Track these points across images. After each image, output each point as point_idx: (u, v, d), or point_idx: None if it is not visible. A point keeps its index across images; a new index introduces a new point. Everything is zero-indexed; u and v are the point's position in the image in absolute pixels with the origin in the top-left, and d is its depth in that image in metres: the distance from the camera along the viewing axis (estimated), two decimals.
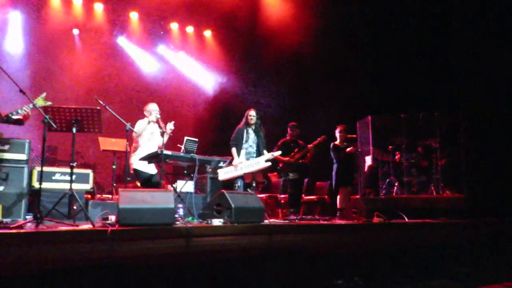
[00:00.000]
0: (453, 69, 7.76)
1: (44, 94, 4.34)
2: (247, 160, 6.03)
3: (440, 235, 5.39)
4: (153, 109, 5.73)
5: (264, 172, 6.11)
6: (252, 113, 6.21)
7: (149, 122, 5.69)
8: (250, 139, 6.20)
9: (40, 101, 4.30)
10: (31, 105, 4.24)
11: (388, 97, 8.54)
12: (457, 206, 6.74)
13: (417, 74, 8.21)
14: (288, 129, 7.18)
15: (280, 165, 7.10)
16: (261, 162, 5.91)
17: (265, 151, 6.08)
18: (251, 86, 10.18)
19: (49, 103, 4.35)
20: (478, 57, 7.44)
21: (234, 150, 6.10)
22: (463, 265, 5.15)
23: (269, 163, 5.91)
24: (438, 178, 7.49)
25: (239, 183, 5.92)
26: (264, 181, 6.91)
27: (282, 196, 7.61)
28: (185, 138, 5.37)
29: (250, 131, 6.19)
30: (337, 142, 7.56)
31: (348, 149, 7.30)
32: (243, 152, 6.10)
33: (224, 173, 6.00)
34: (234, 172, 5.96)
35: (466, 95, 7.60)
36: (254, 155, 6.15)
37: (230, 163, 6.02)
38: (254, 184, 5.96)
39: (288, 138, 7.13)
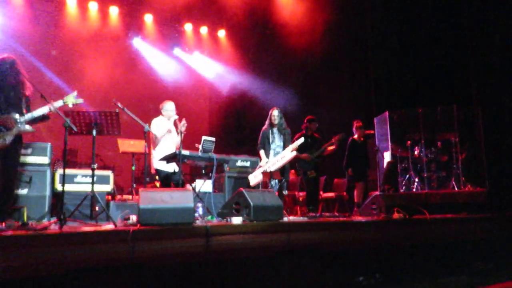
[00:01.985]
0: (471, 62, 7.83)
1: (75, 93, 4.37)
2: (273, 158, 6.11)
3: (462, 230, 5.34)
4: (169, 108, 5.77)
5: (281, 170, 6.08)
6: (275, 112, 6.22)
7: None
8: (276, 139, 6.22)
9: (70, 99, 4.32)
10: (60, 102, 4.28)
11: (406, 91, 8.50)
12: (478, 200, 6.63)
13: (435, 68, 8.17)
14: (305, 123, 7.14)
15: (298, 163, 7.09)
16: (286, 155, 5.96)
17: (289, 145, 6.16)
18: (266, 84, 10.20)
19: (80, 100, 4.39)
20: (496, 49, 7.43)
21: (261, 152, 6.15)
22: (485, 261, 5.09)
23: (295, 153, 5.95)
24: (458, 173, 7.41)
25: (273, 182, 5.95)
26: (282, 179, 6.89)
27: (301, 193, 7.75)
28: (203, 137, 5.42)
29: (275, 131, 6.21)
30: (355, 136, 7.54)
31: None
32: (271, 153, 6.15)
33: (254, 178, 6.05)
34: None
35: (484, 88, 7.65)
36: (280, 152, 6.21)
37: (259, 167, 6.12)
38: (271, 182, 5.95)
39: (304, 132, 7.08)
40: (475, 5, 7.73)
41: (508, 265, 5.05)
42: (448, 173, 7.48)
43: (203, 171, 5.50)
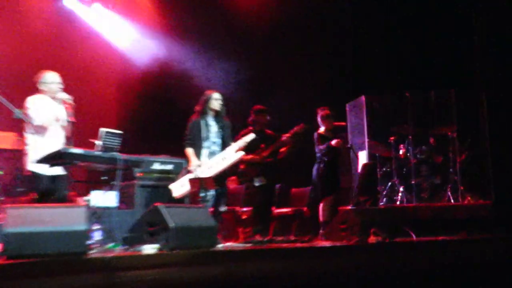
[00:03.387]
0: (475, 32, 8.03)
1: None
2: (211, 159, 6.12)
3: (460, 255, 5.48)
4: (51, 80, 5.55)
5: (218, 177, 6.06)
6: (215, 96, 6.24)
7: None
8: (212, 133, 6.24)
9: None
10: None
11: (389, 70, 8.77)
12: (482, 216, 6.85)
13: (426, 40, 8.59)
14: (252, 115, 7.19)
15: (242, 166, 7.10)
16: (230, 156, 6.01)
17: (232, 143, 6.21)
18: (202, 59, 10.15)
19: None
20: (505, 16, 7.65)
21: (190, 151, 6.15)
22: None
23: (242, 154, 6.04)
24: (456, 179, 7.59)
25: (207, 194, 5.95)
26: (218, 189, 6.89)
27: (244, 209, 7.66)
28: (102, 130, 5.29)
29: (211, 123, 6.24)
30: (322, 130, 7.61)
31: (333, 142, 7.35)
32: (204, 153, 6.16)
33: (181, 186, 6.02)
34: None
35: (491, 66, 7.84)
36: (218, 153, 6.22)
37: (187, 171, 6.07)
38: (203, 194, 5.90)
39: (252, 128, 7.09)
40: None
41: None
42: (444, 180, 7.67)
43: (104, 177, 5.43)
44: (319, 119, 7.67)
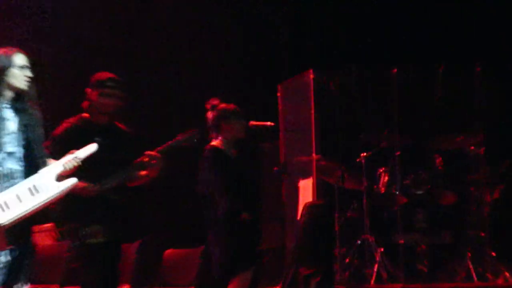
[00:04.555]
0: None
1: None
2: (5, 191, 4.89)
3: None
4: None
5: (15, 227, 4.63)
6: (20, 60, 5.08)
7: None
8: (9, 135, 5.25)
9: None
10: None
11: (362, 27, 8.76)
12: None
13: None
14: (90, 91, 5.75)
15: (58, 204, 5.58)
16: (46, 186, 4.89)
17: (51, 160, 4.92)
18: None
19: None
20: None
21: None
22: None
23: (73, 181, 4.80)
24: (483, 237, 7.11)
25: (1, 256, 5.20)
26: (14, 250, 5.24)
27: None
28: None
29: (8, 114, 5.27)
30: (216, 143, 6.26)
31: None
32: None
33: None
34: None
35: None
36: (21, 175, 5.00)
37: None
38: None
39: (88, 116, 5.72)
40: None
41: None
42: (459, 238, 7.24)
43: None
44: (212, 121, 6.29)
